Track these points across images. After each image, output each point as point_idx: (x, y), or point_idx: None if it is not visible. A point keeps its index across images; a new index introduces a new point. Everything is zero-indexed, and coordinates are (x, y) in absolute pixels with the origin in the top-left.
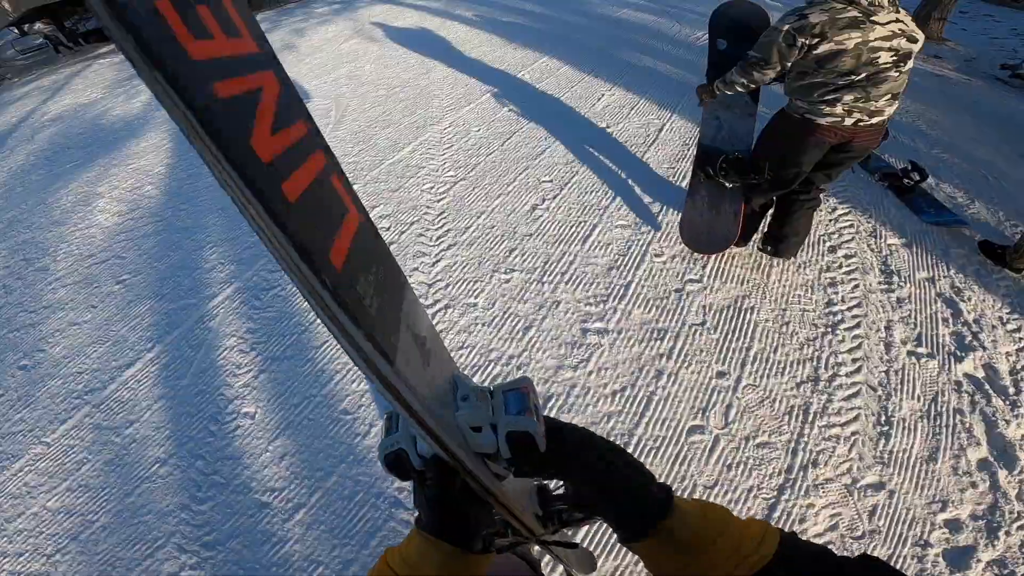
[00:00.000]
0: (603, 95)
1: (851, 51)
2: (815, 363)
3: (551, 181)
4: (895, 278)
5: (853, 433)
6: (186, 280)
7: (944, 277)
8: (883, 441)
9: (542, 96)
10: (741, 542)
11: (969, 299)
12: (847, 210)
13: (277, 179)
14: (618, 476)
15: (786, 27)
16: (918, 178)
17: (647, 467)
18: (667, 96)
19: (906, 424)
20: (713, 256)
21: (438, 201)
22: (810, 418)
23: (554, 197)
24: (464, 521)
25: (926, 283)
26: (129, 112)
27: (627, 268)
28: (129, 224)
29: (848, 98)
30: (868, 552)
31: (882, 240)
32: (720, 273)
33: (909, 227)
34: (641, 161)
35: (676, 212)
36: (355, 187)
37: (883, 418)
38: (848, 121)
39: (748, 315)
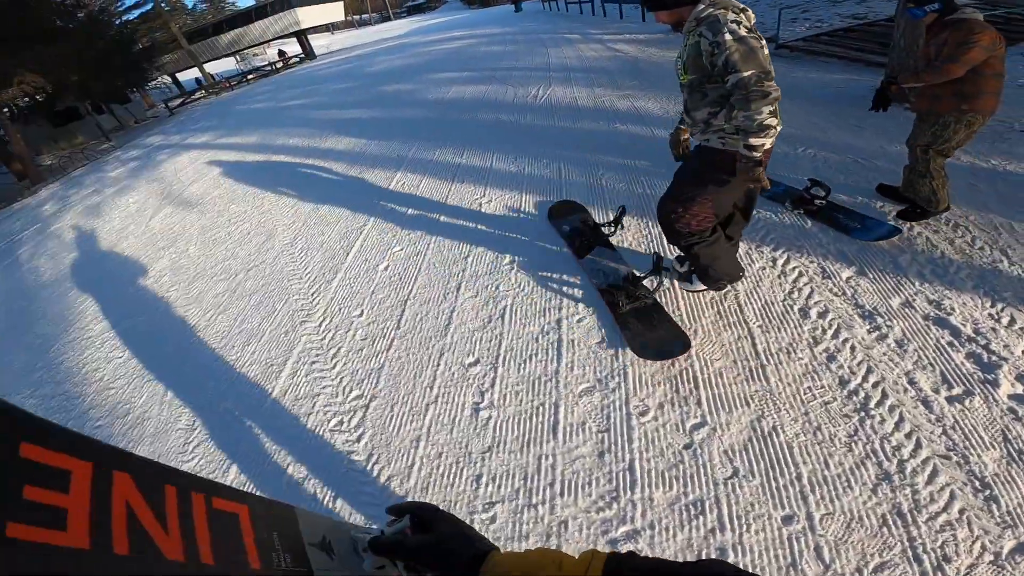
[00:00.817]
0: (474, 227)
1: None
2: (874, 458)
3: (478, 362)
4: (878, 319)
5: (961, 511)
6: None
7: (916, 294)
8: (994, 504)
9: (412, 237)
10: (564, 571)
11: (952, 309)
12: (785, 256)
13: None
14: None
15: (743, 30)
16: (824, 194)
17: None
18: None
19: (1001, 476)
20: (700, 385)
21: (357, 441)
22: (910, 519)
23: (492, 384)
24: None
25: (906, 310)
26: None
27: (619, 446)
28: None
29: (774, 117)
30: None
31: (838, 279)
32: (718, 401)
33: (848, 251)
34: (560, 307)
35: (623, 349)
36: (239, 452)
37: (977, 482)
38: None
39: (775, 438)
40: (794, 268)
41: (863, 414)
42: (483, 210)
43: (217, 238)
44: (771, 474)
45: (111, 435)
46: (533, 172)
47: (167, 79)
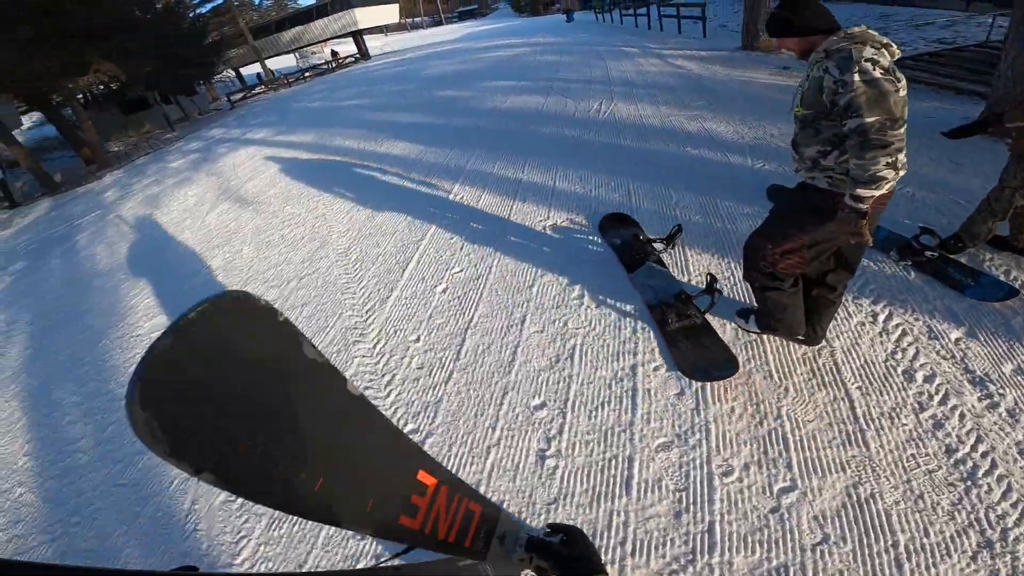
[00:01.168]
0: (543, 259)
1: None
2: (977, 527)
3: (544, 405)
4: (990, 386)
5: None
6: None
7: None
8: None
9: (472, 258)
10: None
11: None
12: (887, 311)
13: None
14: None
15: (877, 71)
16: (935, 243)
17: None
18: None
19: None
20: (791, 447)
21: None
22: None
23: (559, 431)
24: None
25: (1018, 378)
26: None
27: (698, 506)
28: (20, 544)
29: (902, 156)
30: None
31: (946, 340)
32: (810, 465)
33: (957, 309)
34: (635, 352)
35: (704, 405)
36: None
37: None
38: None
39: (872, 506)
40: (897, 325)
41: (969, 483)
42: (548, 232)
43: (271, 240)
44: (865, 541)
45: None
46: (601, 195)
47: (231, 73)
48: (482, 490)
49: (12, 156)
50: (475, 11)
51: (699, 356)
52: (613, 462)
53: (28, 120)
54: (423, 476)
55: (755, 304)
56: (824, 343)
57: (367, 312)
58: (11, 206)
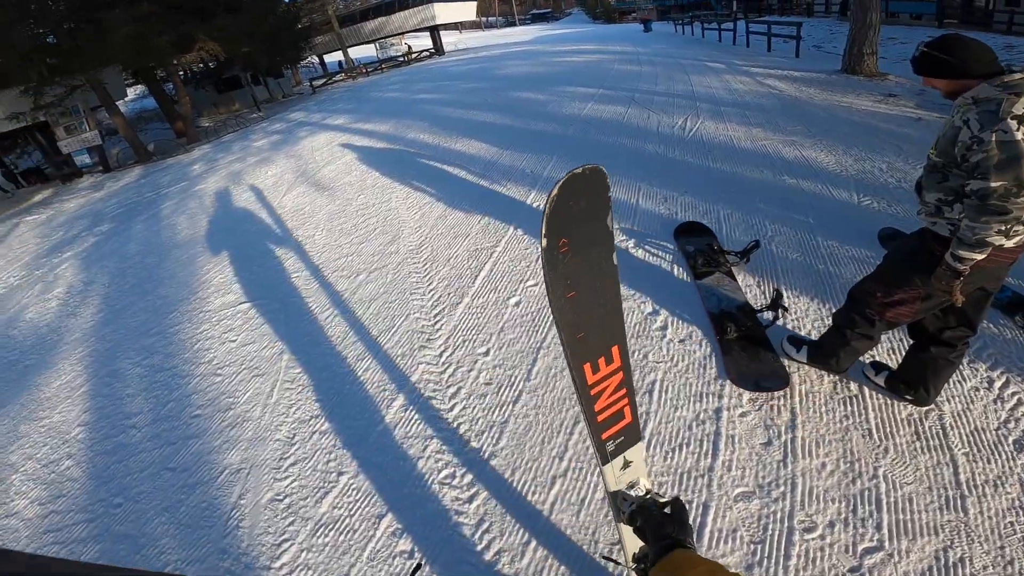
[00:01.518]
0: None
1: None
2: None
3: None
4: None
5: None
6: None
7: None
8: None
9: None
10: None
11: None
12: (1004, 378)
13: None
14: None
15: (1021, 132)
16: None
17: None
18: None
19: None
20: (884, 508)
21: (469, 502)
22: None
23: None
24: None
25: None
26: (43, 314)
27: (773, 560)
28: (55, 521)
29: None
30: None
31: None
32: (901, 527)
33: None
34: (721, 395)
35: (793, 458)
36: (337, 485)
37: None
38: None
39: (960, 570)
40: (1013, 394)
41: None
42: (632, 253)
43: (344, 228)
44: None
45: (208, 429)
46: (688, 219)
47: (314, 59)
48: (542, 524)
49: (113, 125)
50: (548, 15)
51: (751, 367)
52: (687, 507)
53: (132, 92)
54: (616, 351)
55: (810, 335)
56: (933, 406)
57: (435, 316)
58: (105, 171)
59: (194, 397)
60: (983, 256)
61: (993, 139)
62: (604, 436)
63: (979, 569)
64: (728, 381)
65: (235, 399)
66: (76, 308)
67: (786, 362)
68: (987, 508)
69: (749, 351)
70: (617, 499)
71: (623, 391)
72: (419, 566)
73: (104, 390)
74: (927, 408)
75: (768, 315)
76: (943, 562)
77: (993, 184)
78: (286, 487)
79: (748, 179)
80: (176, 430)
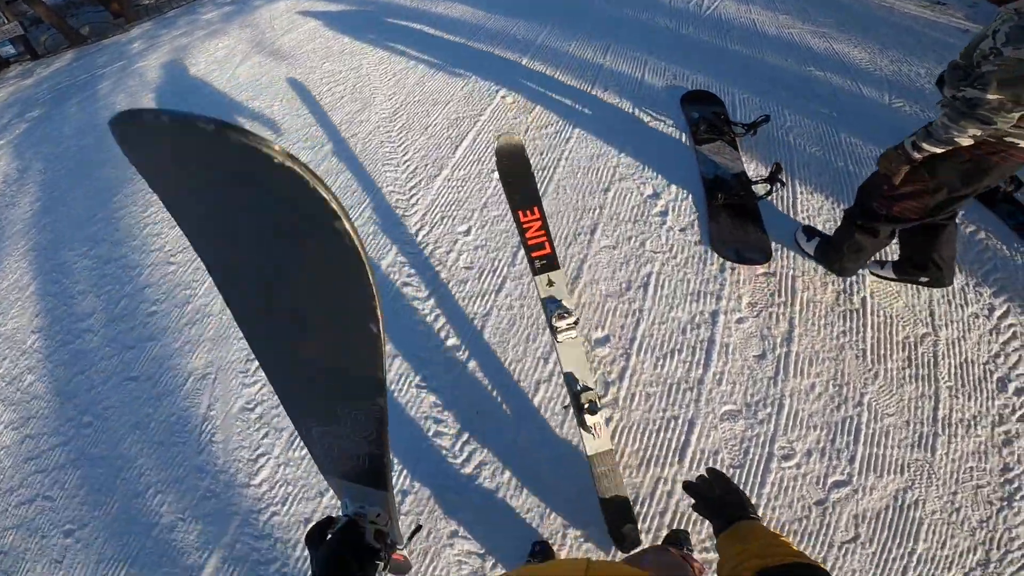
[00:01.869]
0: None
1: None
2: (986, 546)
3: (607, 340)
4: None
5: None
6: (148, 542)
7: None
8: None
9: (538, 145)
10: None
11: None
12: (1005, 307)
13: None
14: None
15: None
16: None
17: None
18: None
19: None
20: (861, 440)
21: (445, 409)
22: None
23: (620, 376)
24: None
25: None
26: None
27: (747, 487)
28: (31, 447)
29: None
30: None
31: None
32: (873, 462)
33: None
34: (720, 297)
35: (785, 377)
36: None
37: None
38: None
39: (911, 512)
40: (1010, 326)
41: (1004, 503)
42: (635, 133)
43: (307, 98)
44: (888, 545)
45: (166, 328)
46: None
47: None
48: (525, 434)
49: (35, 14)
50: None
51: (735, 235)
52: (672, 424)
53: None
54: (536, 209)
55: (822, 230)
56: (930, 331)
57: (410, 190)
58: (33, 58)
59: (148, 291)
60: (940, 151)
61: (1011, 54)
62: (532, 255)
63: (927, 513)
64: (724, 260)
65: (192, 290)
66: (13, 198)
67: (791, 264)
68: (953, 450)
69: (736, 221)
70: (545, 307)
71: (542, 232)
72: (418, 528)
73: (52, 288)
74: (923, 333)
75: (762, 188)
76: (899, 503)
77: (990, 96)
78: (256, 393)
79: (769, 65)
80: (133, 331)
